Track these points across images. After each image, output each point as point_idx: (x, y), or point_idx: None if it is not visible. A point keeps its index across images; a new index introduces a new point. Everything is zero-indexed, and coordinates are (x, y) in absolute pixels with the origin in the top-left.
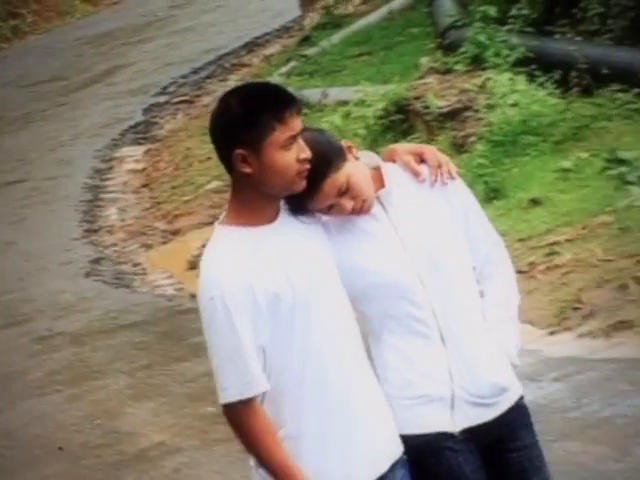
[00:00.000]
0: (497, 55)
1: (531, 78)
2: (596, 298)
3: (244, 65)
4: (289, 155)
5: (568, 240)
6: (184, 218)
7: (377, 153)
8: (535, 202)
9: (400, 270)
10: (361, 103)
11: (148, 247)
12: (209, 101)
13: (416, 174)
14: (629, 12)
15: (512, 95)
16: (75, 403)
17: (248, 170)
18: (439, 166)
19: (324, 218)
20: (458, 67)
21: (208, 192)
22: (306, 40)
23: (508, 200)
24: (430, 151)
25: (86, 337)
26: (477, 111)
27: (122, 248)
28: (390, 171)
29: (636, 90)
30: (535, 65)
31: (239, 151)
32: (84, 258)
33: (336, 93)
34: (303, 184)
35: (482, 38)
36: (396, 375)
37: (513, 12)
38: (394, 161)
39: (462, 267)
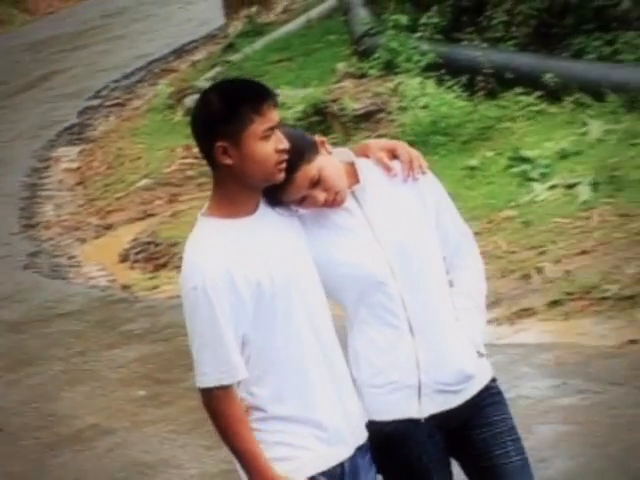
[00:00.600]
0: (408, 60)
1: (440, 82)
2: (501, 287)
3: (172, 70)
4: (268, 146)
5: (475, 233)
6: (116, 214)
7: None
8: None
9: (373, 263)
10: (282, 106)
11: (82, 241)
12: (140, 104)
13: (389, 169)
14: (531, 20)
15: (422, 98)
16: (14, 388)
17: (229, 162)
18: (410, 161)
19: (300, 212)
20: (372, 72)
21: (138, 189)
22: (230, 47)
23: None
24: (402, 147)
25: (24, 325)
26: (390, 113)
27: (58, 242)
28: (364, 167)
29: (538, 93)
30: (444, 70)
31: (220, 143)
32: (22, 252)
33: None
34: (282, 175)
35: (394, 45)
36: (366, 362)
37: (423, 20)
38: (367, 156)
39: (433, 259)
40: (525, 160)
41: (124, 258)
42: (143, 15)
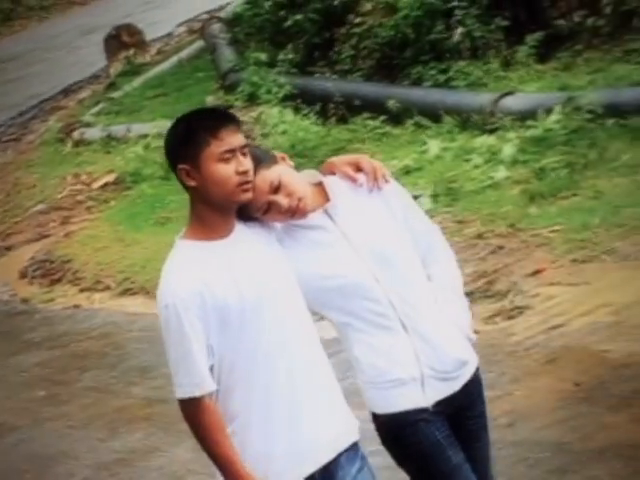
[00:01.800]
0: (268, 92)
1: (297, 110)
2: None
3: (61, 108)
4: (228, 168)
5: None
6: (15, 236)
7: (173, 177)
8: None
9: (355, 272)
10: (158, 136)
11: None
12: (33, 138)
13: (355, 181)
14: (375, 53)
15: (282, 125)
16: None
17: (193, 183)
18: (374, 172)
19: (278, 230)
20: (237, 103)
21: (34, 214)
22: (112, 85)
23: None
24: (364, 160)
25: None
26: (254, 139)
27: None
28: (332, 184)
29: (383, 117)
30: (300, 100)
31: (182, 166)
32: None
33: (138, 128)
34: (246, 196)
35: (256, 79)
36: (368, 366)
37: (281, 57)
38: (333, 173)
39: (409, 259)
40: None
41: (23, 275)
42: (35, 60)
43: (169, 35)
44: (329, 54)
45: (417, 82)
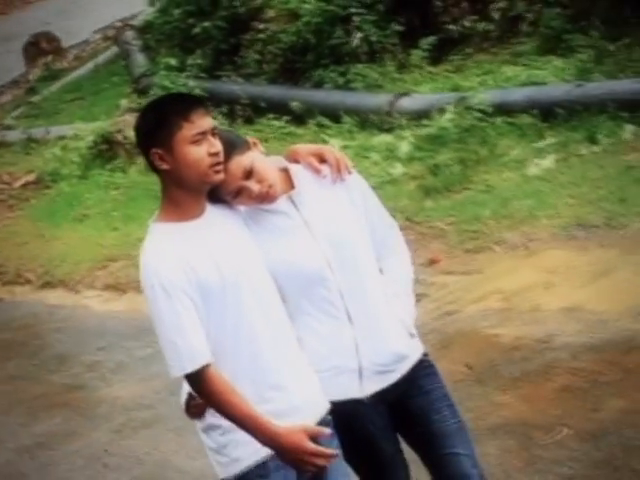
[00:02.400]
0: None
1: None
2: None
3: None
4: (200, 150)
5: None
6: None
7: (90, 176)
8: None
9: (312, 260)
10: (76, 137)
11: None
12: None
13: (319, 172)
14: (278, 58)
15: None
16: None
17: (166, 167)
18: (337, 163)
19: (243, 213)
20: None
21: None
22: (31, 90)
23: None
24: (328, 151)
25: None
26: None
27: None
28: (297, 172)
29: (286, 118)
30: (208, 102)
31: (154, 150)
32: None
33: (56, 130)
34: (218, 177)
35: (166, 83)
36: (310, 349)
37: (190, 62)
38: (297, 161)
39: (365, 251)
40: None
41: None
42: None
43: (85, 42)
44: (235, 59)
45: (318, 84)
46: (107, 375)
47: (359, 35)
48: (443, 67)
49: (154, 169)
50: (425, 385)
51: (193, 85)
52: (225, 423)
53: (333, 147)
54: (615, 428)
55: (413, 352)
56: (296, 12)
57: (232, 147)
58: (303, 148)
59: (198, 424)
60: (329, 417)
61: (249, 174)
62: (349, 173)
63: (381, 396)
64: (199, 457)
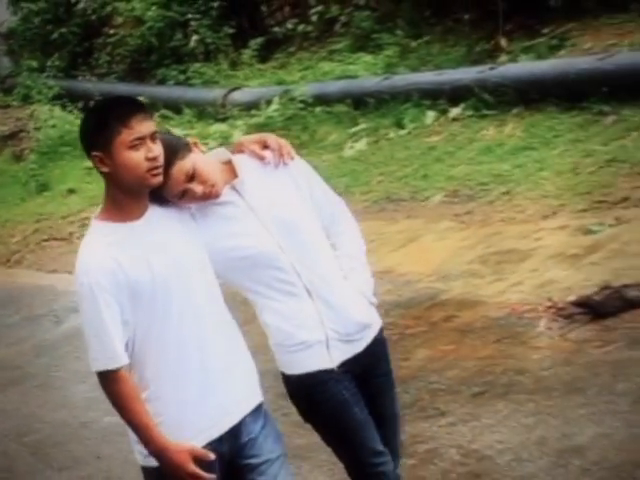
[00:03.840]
0: (40, 93)
1: (64, 107)
2: None
3: None
4: (138, 154)
5: None
6: None
7: None
8: (71, 191)
9: (262, 243)
10: None
11: None
12: None
13: (262, 159)
14: (127, 59)
15: (52, 120)
16: None
17: (106, 169)
18: (280, 149)
19: (190, 210)
20: (14, 103)
21: None
22: None
23: (53, 191)
24: (271, 138)
25: None
26: (29, 132)
27: None
28: (240, 162)
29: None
30: (66, 98)
31: (95, 153)
32: None
33: None
34: (156, 180)
35: (29, 82)
36: (276, 330)
37: (49, 63)
38: (242, 152)
39: (314, 230)
40: None
41: None
42: None
43: None
44: (89, 60)
45: (162, 81)
46: None
47: (196, 38)
48: (269, 64)
49: (97, 170)
50: (381, 368)
51: (53, 84)
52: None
53: (275, 135)
54: (422, 374)
55: (375, 321)
56: (141, 18)
57: (173, 152)
58: (247, 138)
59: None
60: (260, 406)
61: (192, 177)
62: (291, 158)
63: (349, 366)
64: (61, 410)
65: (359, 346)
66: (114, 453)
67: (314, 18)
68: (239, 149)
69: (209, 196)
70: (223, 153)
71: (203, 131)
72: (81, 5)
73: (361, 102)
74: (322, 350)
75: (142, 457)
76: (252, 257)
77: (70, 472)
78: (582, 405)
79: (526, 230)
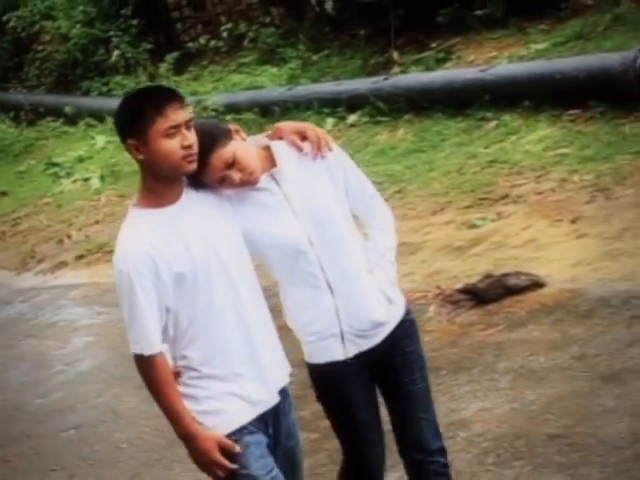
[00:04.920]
0: None
1: None
2: (43, 250)
3: None
4: (173, 142)
5: (25, 215)
6: None
7: None
8: (3, 194)
9: (293, 234)
10: None
11: None
12: None
13: (301, 150)
14: (54, 72)
15: None
16: None
17: (141, 157)
18: (318, 141)
19: (227, 193)
20: None
21: None
22: None
23: None
24: (310, 128)
25: None
26: None
27: None
28: (279, 150)
29: (62, 120)
30: None
31: (130, 141)
32: None
33: None
34: (191, 167)
35: None
36: (295, 318)
37: None
38: (281, 138)
39: (344, 225)
40: (56, 165)
41: None
42: None
43: None
44: (20, 74)
45: (86, 93)
46: None
47: (117, 53)
48: (184, 76)
49: (132, 156)
50: (404, 346)
51: None
52: (200, 393)
53: (314, 125)
54: None
55: (392, 318)
56: (66, 35)
57: (214, 139)
58: (287, 126)
59: None
60: (287, 387)
61: (231, 164)
62: (330, 150)
63: (363, 357)
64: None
65: (372, 342)
66: (44, 432)
67: (224, 34)
68: (277, 135)
69: (247, 183)
70: (262, 139)
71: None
72: (12, 24)
73: (267, 110)
74: (336, 342)
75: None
76: (282, 246)
77: (4, 450)
78: (467, 383)
79: (417, 225)
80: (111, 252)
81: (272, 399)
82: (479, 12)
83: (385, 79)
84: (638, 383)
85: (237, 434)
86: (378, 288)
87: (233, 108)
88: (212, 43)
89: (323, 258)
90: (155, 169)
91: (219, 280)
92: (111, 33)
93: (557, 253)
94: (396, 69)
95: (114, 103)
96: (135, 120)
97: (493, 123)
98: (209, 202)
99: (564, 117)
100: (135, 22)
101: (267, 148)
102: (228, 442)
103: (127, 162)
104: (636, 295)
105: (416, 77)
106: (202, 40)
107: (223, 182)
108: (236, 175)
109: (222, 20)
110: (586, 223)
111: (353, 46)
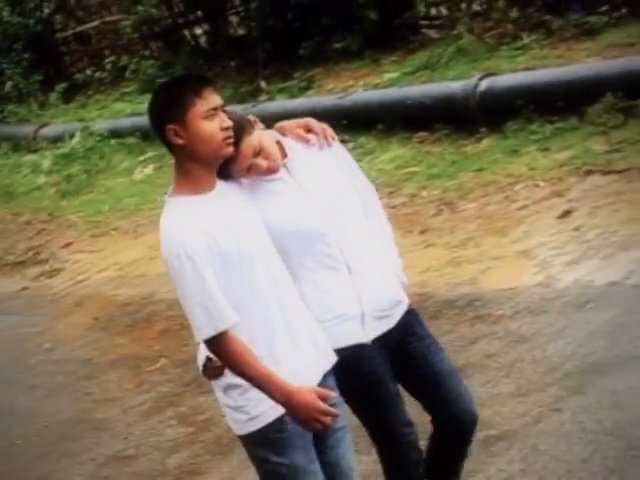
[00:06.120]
0: None
1: None
2: None
3: None
4: (213, 124)
5: None
6: None
7: None
8: None
9: (312, 219)
10: None
11: None
12: None
13: (308, 141)
14: None
15: None
16: None
17: (181, 142)
18: (324, 132)
19: (243, 182)
20: None
21: None
22: None
23: None
24: (313, 122)
25: None
26: None
27: None
28: (289, 143)
29: None
30: None
31: (169, 126)
32: None
33: None
34: (230, 149)
35: None
36: (315, 303)
37: None
38: (285, 135)
39: (356, 208)
40: None
41: None
42: None
43: None
44: None
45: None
46: None
47: (10, 84)
48: (73, 105)
49: (168, 145)
50: (420, 332)
51: None
52: (244, 383)
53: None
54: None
55: (405, 298)
56: None
57: (241, 128)
58: (289, 123)
59: (216, 384)
60: (331, 369)
61: (258, 152)
62: (334, 139)
63: (382, 341)
64: None
65: (391, 322)
66: None
67: (108, 67)
68: (281, 132)
69: (272, 170)
70: (273, 134)
71: (17, 161)
72: None
73: (148, 135)
74: (356, 325)
75: (240, 425)
76: (303, 232)
77: None
78: None
79: None
80: (6, 265)
81: (315, 378)
82: (338, 45)
83: (253, 106)
84: (480, 376)
85: (279, 423)
86: (390, 269)
87: (117, 133)
88: (97, 74)
89: (340, 240)
90: (195, 153)
91: (260, 266)
92: (5, 65)
93: (408, 261)
94: (263, 97)
95: (8, 129)
96: (175, 104)
97: (350, 145)
98: (236, 192)
99: (414, 139)
100: (27, 56)
101: (278, 142)
102: (324, 391)
103: (21, 184)
104: (478, 298)
105: (281, 104)
106: (88, 72)
107: (250, 170)
108: (263, 162)
109: (106, 53)
110: (433, 234)
111: (225, 76)
